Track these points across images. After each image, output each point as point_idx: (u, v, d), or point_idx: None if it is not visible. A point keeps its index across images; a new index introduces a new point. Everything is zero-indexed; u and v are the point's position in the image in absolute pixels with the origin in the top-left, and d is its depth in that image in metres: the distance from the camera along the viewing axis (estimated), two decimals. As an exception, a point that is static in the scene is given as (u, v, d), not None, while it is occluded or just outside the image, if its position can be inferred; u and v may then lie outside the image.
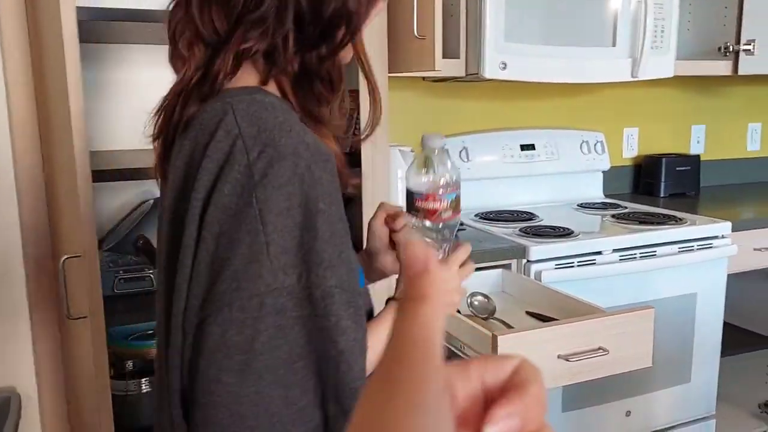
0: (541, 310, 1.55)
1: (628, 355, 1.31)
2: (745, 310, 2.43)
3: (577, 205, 2.33)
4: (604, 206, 2.32)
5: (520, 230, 1.93)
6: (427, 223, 1.12)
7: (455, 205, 1.13)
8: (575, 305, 1.47)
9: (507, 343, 1.19)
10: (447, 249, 1.15)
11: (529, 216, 2.13)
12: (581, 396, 1.88)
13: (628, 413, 1.97)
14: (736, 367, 2.38)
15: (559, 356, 1.23)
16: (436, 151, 1.12)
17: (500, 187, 2.32)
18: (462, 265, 1.01)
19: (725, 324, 2.15)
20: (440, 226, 1.12)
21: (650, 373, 1.96)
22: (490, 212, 2.18)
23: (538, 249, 1.77)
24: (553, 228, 1.95)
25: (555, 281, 1.74)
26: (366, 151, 1.62)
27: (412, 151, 1.98)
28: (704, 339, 2.06)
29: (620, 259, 1.86)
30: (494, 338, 1.18)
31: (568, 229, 1.93)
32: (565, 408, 1.86)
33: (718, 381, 2.13)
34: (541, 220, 2.09)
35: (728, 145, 2.85)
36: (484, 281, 1.73)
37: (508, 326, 1.47)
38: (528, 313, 1.57)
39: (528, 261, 1.76)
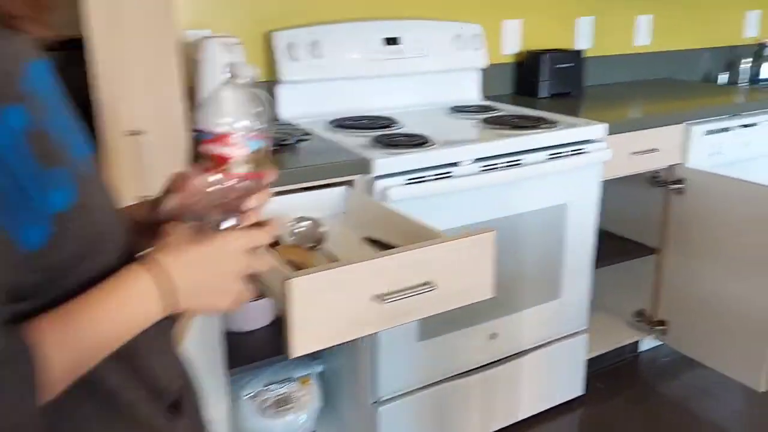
0: (384, 235, 1.32)
1: (463, 287, 1.09)
2: (623, 217, 2.31)
3: (450, 109, 2.08)
4: (480, 109, 2.07)
5: (374, 140, 1.66)
6: (212, 178, 0.77)
7: (259, 161, 0.80)
8: (416, 229, 1.24)
9: (302, 287, 0.94)
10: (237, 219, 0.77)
11: (388, 122, 1.86)
12: (438, 322, 1.71)
13: (493, 336, 1.82)
14: (612, 277, 2.29)
15: (374, 297, 1.00)
16: (242, 81, 0.80)
17: (359, 89, 2.03)
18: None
19: (604, 233, 2.01)
20: (231, 183, 0.77)
21: (516, 291, 1.81)
22: (346, 118, 1.89)
23: (384, 162, 1.51)
24: (409, 136, 1.69)
25: (405, 199, 1.50)
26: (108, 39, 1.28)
27: (240, 43, 1.64)
28: (576, 252, 1.91)
29: (481, 170, 1.63)
30: (286, 283, 0.93)
31: (424, 137, 1.67)
32: (421, 336, 1.68)
33: (592, 293, 2.02)
34: (401, 127, 1.83)
35: (616, 39, 2.64)
36: (321, 202, 1.47)
37: (334, 259, 1.22)
38: (367, 239, 1.33)
39: (374, 177, 1.51)
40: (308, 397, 1.64)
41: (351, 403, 1.72)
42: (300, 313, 0.95)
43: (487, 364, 1.85)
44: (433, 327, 1.69)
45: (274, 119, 1.89)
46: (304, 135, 1.74)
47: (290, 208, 1.44)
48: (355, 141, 1.66)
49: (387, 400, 1.67)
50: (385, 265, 1.01)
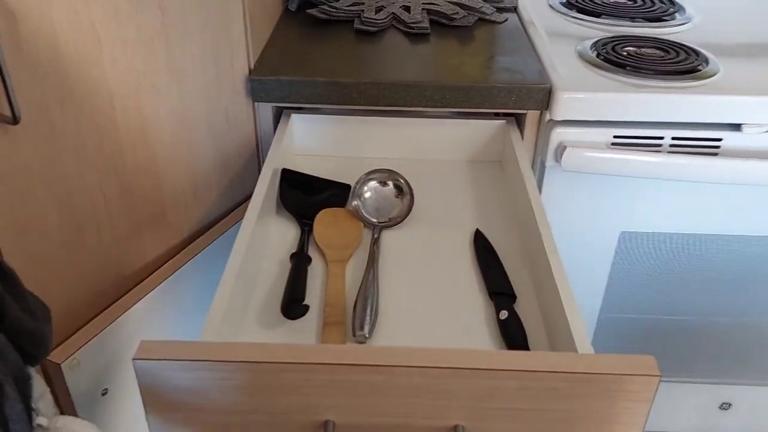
0: (504, 242, 0.72)
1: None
2: None
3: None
4: None
5: (601, 45, 0.95)
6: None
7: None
8: (543, 276, 0.62)
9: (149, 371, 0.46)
10: None
11: (664, 9, 1.08)
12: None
13: (725, 406, 1.09)
14: None
15: (319, 427, 0.47)
16: None
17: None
18: None
19: None
20: None
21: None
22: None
23: (570, 99, 0.81)
24: (673, 49, 0.92)
25: (595, 177, 0.82)
26: None
27: None
28: None
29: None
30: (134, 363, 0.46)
31: (702, 55, 0.88)
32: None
33: None
34: (686, 21, 1.04)
35: None
36: (470, 138, 0.88)
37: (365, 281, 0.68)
38: (479, 239, 0.73)
39: (550, 119, 0.83)
40: None
41: None
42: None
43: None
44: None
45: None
46: (507, 8, 1.09)
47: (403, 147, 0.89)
48: (575, 37, 0.97)
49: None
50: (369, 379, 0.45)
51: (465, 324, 0.62)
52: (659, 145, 0.82)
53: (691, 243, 0.91)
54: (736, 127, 0.81)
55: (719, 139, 0.81)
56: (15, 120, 0.54)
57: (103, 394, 0.70)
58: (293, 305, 0.59)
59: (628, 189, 0.86)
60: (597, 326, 1.01)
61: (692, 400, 1.10)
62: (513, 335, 0.59)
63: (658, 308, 0.99)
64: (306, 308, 0.60)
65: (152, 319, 0.73)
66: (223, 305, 0.55)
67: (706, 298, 0.97)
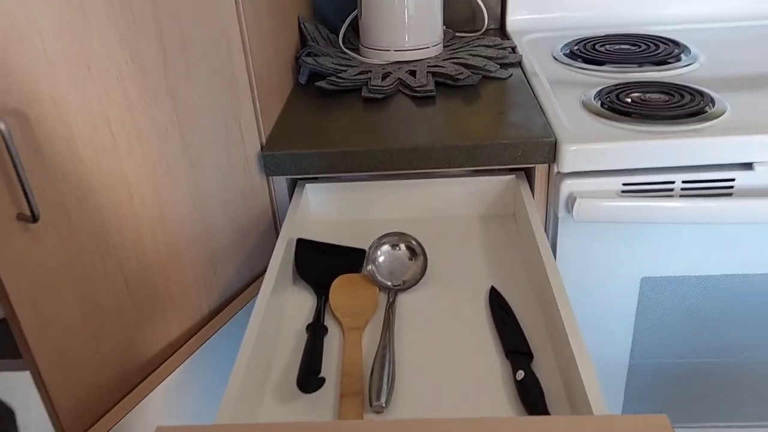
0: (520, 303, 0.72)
1: None
2: None
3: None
4: None
5: (605, 93, 0.96)
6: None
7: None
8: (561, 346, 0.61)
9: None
10: None
11: (668, 51, 1.08)
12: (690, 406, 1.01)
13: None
14: None
15: None
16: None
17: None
18: None
19: None
20: None
21: None
22: (596, 39, 1.17)
23: (576, 151, 0.82)
24: (677, 92, 0.93)
25: (606, 225, 0.82)
26: None
27: None
28: None
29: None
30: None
31: (708, 96, 0.89)
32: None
33: None
34: (692, 62, 1.04)
35: None
36: (482, 193, 0.89)
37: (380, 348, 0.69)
38: (495, 298, 0.73)
39: (558, 172, 0.84)
40: None
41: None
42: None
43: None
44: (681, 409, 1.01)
45: (487, 29, 1.28)
46: (511, 63, 1.11)
47: (421, 201, 0.90)
48: (580, 86, 0.98)
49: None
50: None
51: (482, 386, 0.62)
52: (671, 190, 0.82)
53: (715, 284, 0.89)
54: (748, 166, 0.81)
55: (732, 179, 0.81)
56: (34, 219, 0.57)
57: (134, 475, 0.71)
58: (309, 379, 0.60)
59: (644, 234, 0.85)
60: (629, 373, 0.98)
61: (740, 446, 1.06)
62: (530, 396, 0.58)
63: (691, 351, 0.96)
64: (322, 381, 0.61)
65: (178, 397, 0.74)
66: (237, 385, 0.56)
67: (739, 337, 0.94)
